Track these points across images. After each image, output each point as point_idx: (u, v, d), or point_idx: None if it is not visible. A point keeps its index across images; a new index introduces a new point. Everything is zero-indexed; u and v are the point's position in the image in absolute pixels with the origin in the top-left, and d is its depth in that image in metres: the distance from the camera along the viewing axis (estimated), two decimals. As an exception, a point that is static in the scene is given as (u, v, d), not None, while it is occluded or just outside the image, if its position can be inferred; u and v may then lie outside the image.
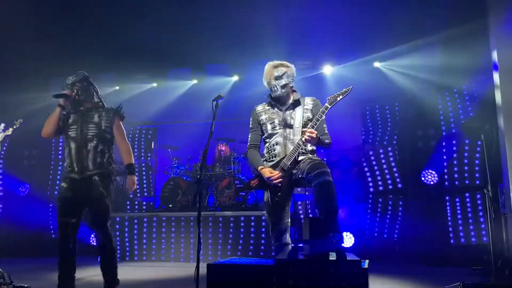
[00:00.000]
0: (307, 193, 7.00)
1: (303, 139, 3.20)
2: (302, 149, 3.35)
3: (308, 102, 3.46)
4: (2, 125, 4.15)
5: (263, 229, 6.43)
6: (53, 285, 3.60)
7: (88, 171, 3.57)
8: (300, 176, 3.28)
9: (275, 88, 3.44)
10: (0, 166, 8.46)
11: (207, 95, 7.93)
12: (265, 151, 3.53)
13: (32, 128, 7.89)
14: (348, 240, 6.74)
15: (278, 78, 3.43)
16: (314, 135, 3.16)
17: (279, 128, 3.43)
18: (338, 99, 3.25)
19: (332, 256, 2.48)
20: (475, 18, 5.71)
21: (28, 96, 8.07)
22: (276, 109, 3.48)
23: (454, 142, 6.57)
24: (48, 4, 6.42)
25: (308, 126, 3.26)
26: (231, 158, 7.62)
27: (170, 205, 7.21)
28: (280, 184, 3.29)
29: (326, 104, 3.27)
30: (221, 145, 7.87)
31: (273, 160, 3.39)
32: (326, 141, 3.37)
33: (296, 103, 3.45)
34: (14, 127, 4.14)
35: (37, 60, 7.37)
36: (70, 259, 3.54)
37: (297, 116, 3.39)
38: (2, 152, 8.22)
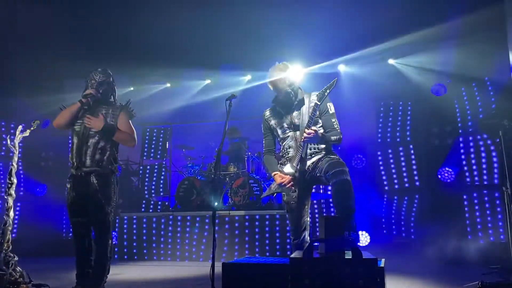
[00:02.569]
0: (321, 191, 6.98)
1: (302, 139, 3.19)
2: (314, 148, 3.35)
3: (313, 98, 3.41)
4: (20, 126, 4.21)
5: (277, 228, 6.42)
6: (71, 283, 3.66)
7: (84, 167, 3.53)
8: (318, 174, 3.28)
9: (282, 91, 3.40)
10: (19, 167, 8.60)
11: (220, 95, 7.98)
12: (280, 154, 3.55)
13: (49, 130, 8.06)
14: (364, 239, 6.69)
15: (286, 82, 3.40)
16: (311, 134, 3.14)
17: (289, 131, 3.44)
18: (326, 93, 3.22)
19: (348, 255, 2.46)
20: (490, 9, 5.61)
21: (44, 98, 8.19)
22: (283, 112, 3.48)
23: (471, 139, 6.46)
24: (63, 7, 6.51)
25: (305, 125, 3.25)
26: (244, 143, 7.66)
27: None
28: (292, 187, 3.30)
29: (315, 101, 3.25)
30: (235, 131, 8.00)
31: (287, 164, 3.41)
32: (332, 137, 3.30)
33: (301, 102, 3.43)
34: (32, 128, 4.19)
35: (52, 63, 7.48)
36: (86, 257, 3.57)
37: (303, 116, 3.38)
38: (20, 154, 8.34)
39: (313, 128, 3.21)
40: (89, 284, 3.53)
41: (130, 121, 3.76)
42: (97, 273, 3.56)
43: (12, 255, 3.84)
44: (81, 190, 3.56)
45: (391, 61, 7.54)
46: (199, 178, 7.49)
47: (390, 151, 7.13)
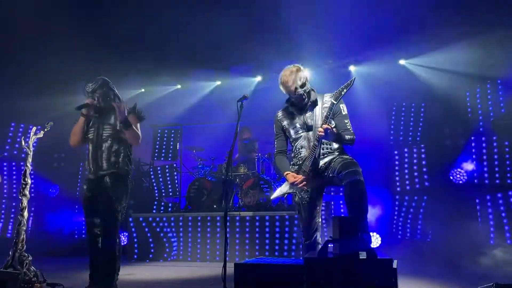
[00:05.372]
0: (332, 193, 6.96)
1: (317, 138, 3.19)
2: (327, 148, 3.34)
3: (326, 99, 3.39)
4: (34, 128, 4.26)
5: (287, 229, 6.44)
6: (85, 283, 3.69)
7: (101, 171, 3.62)
8: (331, 175, 3.27)
9: (294, 93, 3.37)
10: (31, 168, 8.70)
11: (231, 96, 8.00)
12: (292, 155, 3.55)
13: (61, 131, 8.13)
14: (375, 240, 6.66)
15: (298, 83, 3.37)
16: (329, 131, 3.13)
17: (302, 132, 3.42)
18: (343, 93, 3.20)
19: (362, 255, 2.46)
20: (504, 9, 5.56)
21: (57, 100, 8.28)
22: (296, 113, 3.47)
23: (484, 139, 6.41)
24: (75, 10, 6.58)
25: (320, 124, 3.24)
26: (254, 145, 7.66)
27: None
28: (305, 188, 3.30)
29: (332, 100, 3.24)
30: (245, 133, 7.97)
31: (299, 164, 3.41)
32: (346, 137, 3.29)
33: (314, 103, 3.42)
34: (46, 129, 4.24)
35: (65, 65, 7.56)
36: (100, 254, 3.61)
37: (316, 116, 3.36)
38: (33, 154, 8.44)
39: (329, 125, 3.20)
40: (101, 283, 3.56)
41: (138, 124, 3.79)
42: (108, 272, 3.57)
43: (26, 254, 3.89)
44: (95, 190, 3.64)
45: (402, 62, 7.50)
46: (209, 179, 7.51)
47: (405, 150, 7.10)
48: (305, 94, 3.38)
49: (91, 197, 3.65)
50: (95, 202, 3.62)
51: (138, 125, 3.80)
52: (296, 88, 3.35)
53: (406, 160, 7.07)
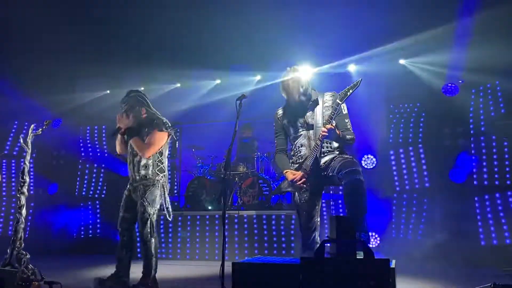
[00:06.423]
0: (331, 192, 6.95)
1: (319, 137, 3.18)
2: (327, 147, 3.33)
3: (327, 98, 3.41)
4: (33, 125, 4.27)
5: (282, 227, 6.44)
6: (84, 281, 3.70)
7: (135, 182, 3.91)
8: (331, 174, 3.26)
9: (296, 98, 3.36)
10: (31, 165, 8.69)
11: (230, 95, 7.98)
12: (291, 153, 3.54)
13: (60, 129, 8.13)
14: (374, 240, 6.65)
15: (300, 91, 3.36)
16: (326, 132, 3.12)
17: (302, 130, 3.42)
18: (349, 93, 3.20)
19: (360, 255, 2.45)
20: (503, 8, 5.55)
21: (57, 98, 8.27)
22: (296, 111, 3.46)
23: (482, 139, 6.40)
24: (74, 9, 6.58)
25: (321, 123, 3.23)
26: (254, 143, 7.64)
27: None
28: (304, 185, 3.29)
29: (337, 100, 3.23)
30: (246, 132, 8.00)
31: (299, 162, 3.40)
32: (347, 136, 3.30)
33: (315, 102, 3.41)
34: (44, 127, 4.24)
35: (64, 63, 7.56)
36: (124, 248, 3.92)
37: (317, 115, 3.36)
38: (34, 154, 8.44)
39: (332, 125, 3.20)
40: (141, 278, 3.84)
41: (158, 136, 3.91)
42: (145, 269, 3.85)
43: (24, 252, 3.89)
44: (133, 195, 3.96)
45: (402, 61, 7.48)
46: (208, 177, 7.50)
47: (397, 151, 7.09)
48: (305, 99, 3.38)
49: (129, 196, 3.96)
50: (130, 201, 3.94)
51: (157, 138, 3.89)
52: (298, 96, 3.35)
53: (405, 160, 7.06)
